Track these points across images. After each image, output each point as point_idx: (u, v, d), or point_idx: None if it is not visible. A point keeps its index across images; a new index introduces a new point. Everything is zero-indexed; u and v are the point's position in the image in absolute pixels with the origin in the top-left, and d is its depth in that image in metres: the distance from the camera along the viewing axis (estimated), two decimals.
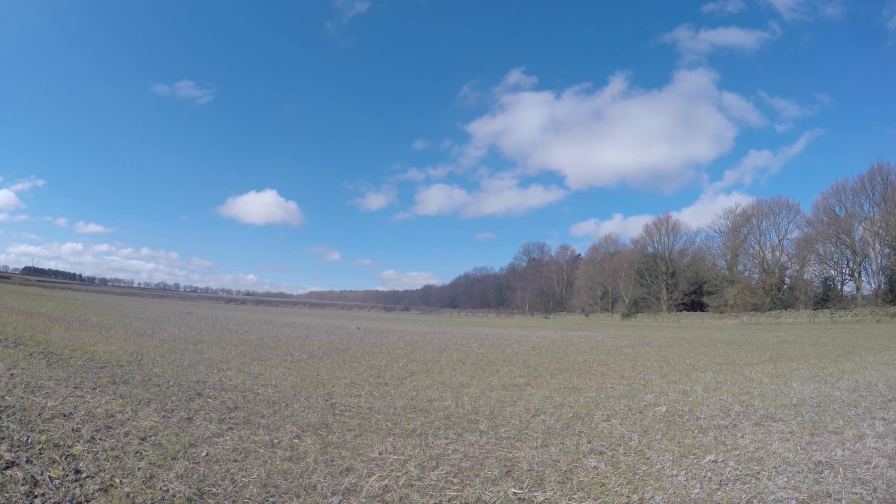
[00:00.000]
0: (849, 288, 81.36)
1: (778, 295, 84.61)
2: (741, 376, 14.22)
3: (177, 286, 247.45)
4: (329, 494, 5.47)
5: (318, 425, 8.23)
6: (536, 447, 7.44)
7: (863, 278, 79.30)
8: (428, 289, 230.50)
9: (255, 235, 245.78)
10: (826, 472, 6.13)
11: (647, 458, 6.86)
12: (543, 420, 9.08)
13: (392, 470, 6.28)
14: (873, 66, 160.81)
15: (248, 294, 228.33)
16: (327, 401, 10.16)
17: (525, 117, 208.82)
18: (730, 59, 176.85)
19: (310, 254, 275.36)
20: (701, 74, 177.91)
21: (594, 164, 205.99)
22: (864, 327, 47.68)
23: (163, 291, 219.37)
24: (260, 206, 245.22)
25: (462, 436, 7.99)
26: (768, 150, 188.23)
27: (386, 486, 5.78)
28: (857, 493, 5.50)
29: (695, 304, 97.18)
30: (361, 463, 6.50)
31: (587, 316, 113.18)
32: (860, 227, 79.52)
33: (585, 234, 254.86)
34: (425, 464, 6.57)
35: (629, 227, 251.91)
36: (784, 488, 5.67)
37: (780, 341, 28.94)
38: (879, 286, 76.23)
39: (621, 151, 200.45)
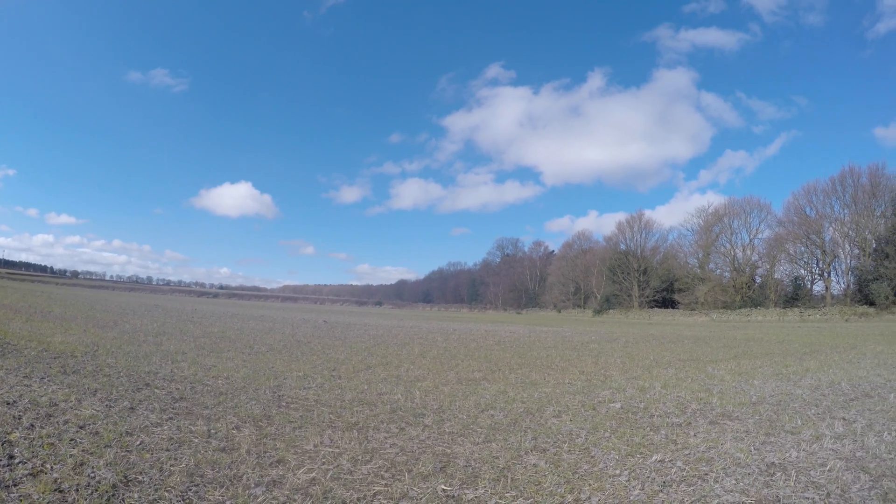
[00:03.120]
0: (818, 287, 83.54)
1: (748, 293, 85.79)
2: (703, 373, 14.03)
3: (149, 279, 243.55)
4: (253, 486, 5.30)
5: (259, 417, 8.01)
6: (478, 443, 7.19)
7: (832, 278, 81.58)
8: (402, 283, 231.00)
9: (230, 228, 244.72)
10: (778, 474, 5.88)
11: (592, 457, 6.60)
12: (492, 415, 8.81)
13: (323, 463, 6.10)
14: (850, 73, 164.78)
15: (221, 288, 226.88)
16: (275, 393, 9.92)
17: (502, 112, 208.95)
18: (709, 60, 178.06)
19: (284, 247, 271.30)
20: (680, 74, 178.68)
21: (571, 161, 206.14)
22: (833, 326, 48.14)
23: (135, 284, 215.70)
24: (234, 198, 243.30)
25: (404, 430, 7.76)
26: (744, 150, 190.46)
27: (313, 478, 5.60)
28: (808, 498, 5.25)
29: (666, 301, 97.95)
30: (294, 455, 6.31)
31: (559, 312, 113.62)
32: (830, 228, 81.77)
33: (560, 230, 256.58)
34: (359, 457, 6.36)
35: (604, 225, 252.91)
36: (731, 491, 5.41)
37: (747, 339, 28.93)
38: (848, 286, 78.04)
39: (598, 149, 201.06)
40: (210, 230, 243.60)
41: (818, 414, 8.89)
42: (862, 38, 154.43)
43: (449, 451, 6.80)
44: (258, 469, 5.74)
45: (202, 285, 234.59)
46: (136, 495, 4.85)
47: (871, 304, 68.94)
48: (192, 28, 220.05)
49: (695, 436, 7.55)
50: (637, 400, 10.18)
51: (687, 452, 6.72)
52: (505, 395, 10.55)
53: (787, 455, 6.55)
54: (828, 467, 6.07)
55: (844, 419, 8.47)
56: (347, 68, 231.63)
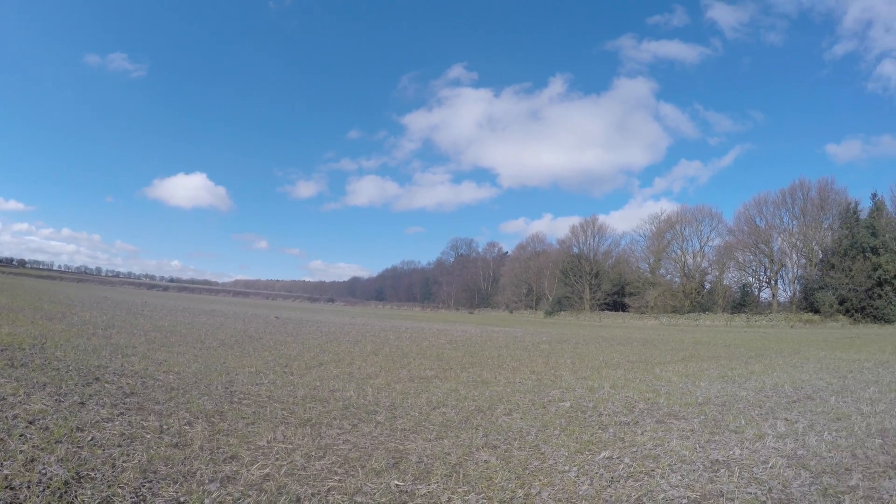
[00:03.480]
0: (765, 294, 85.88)
1: (697, 298, 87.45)
2: (651, 374, 14.28)
3: (98, 270, 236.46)
4: (207, 482, 5.23)
5: (212, 413, 7.90)
6: (430, 440, 7.23)
7: (779, 286, 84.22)
8: (355, 280, 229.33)
9: (182, 220, 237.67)
10: (722, 470, 6.05)
11: (542, 453, 6.69)
12: (443, 413, 8.87)
13: (277, 459, 6.04)
14: (806, 91, 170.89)
15: (172, 281, 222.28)
16: (227, 388, 9.79)
17: (462, 113, 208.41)
18: (670, 71, 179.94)
19: (237, 241, 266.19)
20: (640, 83, 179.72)
21: (528, 164, 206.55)
22: (778, 332, 49.31)
23: (83, 275, 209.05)
24: (188, 189, 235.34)
25: (357, 426, 7.75)
26: (699, 160, 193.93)
27: (267, 474, 5.55)
28: (751, 493, 5.42)
29: (617, 304, 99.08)
30: (247, 451, 6.23)
31: (511, 312, 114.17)
32: (779, 239, 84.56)
33: (515, 232, 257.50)
34: (312, 453, 6.33)
35: (558, 228, 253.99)
36: (677, 487, 5.55)
37: (695, 342, 29.45)
38: (794, 294, 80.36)
39: (556, 153, 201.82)
40: (162, 221, 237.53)
41: (761, 414, 9.15)
42: (819, 59, 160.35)
43: (402, 447, 6.82)
44: (212, 465, 5.67)
45: (152, 278, 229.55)
46: (88, 492, 4.77)
47: (816, 311, 70.92)
48: (154, 11, 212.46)
49: (642, 434, 7.72)
50: (586, 399, 10.34)
51: (634, 449, 6.87)
52: (456, 394, 10.62)
53: (731, 453, 6.74)
54: (770, 464, 6.26)
55: (787, 419, 8.74)
56: (309, 62, 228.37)
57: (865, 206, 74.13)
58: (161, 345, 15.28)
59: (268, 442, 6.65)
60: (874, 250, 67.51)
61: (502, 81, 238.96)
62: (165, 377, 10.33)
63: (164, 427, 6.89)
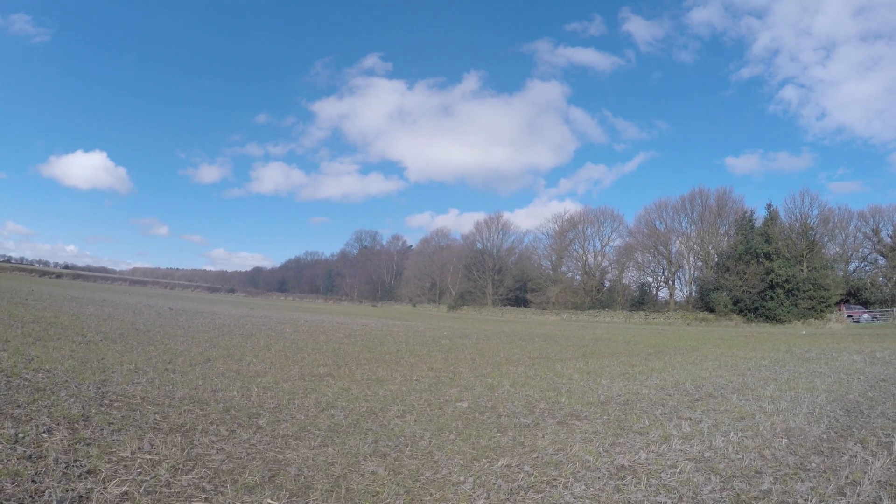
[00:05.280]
0: (663, 294, 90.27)
1: (597, 295, 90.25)
2: (552, 371, 13.93)
3: None
4: (55, 503, 4.48)
5: (77, 417, 6.98)
6: (314, 447, 6.57)
7: (676, 286, 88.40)
8: (257, 271, 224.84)
9: (78, 201, 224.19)
10: (629, 477, 5.61)
11: (435, 462, 6.11)
12: (332, 415, 8.20)
13: (139, 473, 5.28)
14: (711, 107, 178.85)
15: (66, 267, 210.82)
16: (100, 389, 8.77)
17: (374, 103, 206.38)
18: (583, 77, 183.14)
19: (136, 225, 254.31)
20: (553, 87, 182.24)
21: (436, 159, 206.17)
22: (675, 329, 50.45)
23: None
24: (86, 168, 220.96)
25: (235, 432, 6.99)
26: (604, 164, 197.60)
27: (125, 492, 4.81)
28: (661, 502, 4.95)
29: (519, 300, 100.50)
30: (108, 464, 5.44)
31: (414, 306, 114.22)
32: (677, 242, 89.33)
33: (421, 226, 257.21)
34: (180, 466, 5.58)
35: (464, 223, 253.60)
36: (582, 497, 5.07)
37: (595, 338, 29.56)
38: (691, 294, 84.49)
39: (465, 149, 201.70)
40: (58, 202, 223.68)
41: (665, 414, 8.84)
42: (726, 80, 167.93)
43: (281, 456, 6.17)
44: (64, 481, 4.89)
45: (46, 264, 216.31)
46: None
47: (712, 311, 74.31)
48: None
49: (543, 437, 7.23)
50: (485, 399, 9.83)
51: (535, 456, 6.35)
52: (348, 393, 9.94)
53: (637, 457, 6.32)
54: (678, 469, 5.88)
55: (691, 419, 8.44)
56: (219, 41, 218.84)
57: (760, 216, 78.39)
58: (37, 338, 13.95)
59: (132, 452, 5.86)
60: (767, 256, 70.96)
61: (416, 74, 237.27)
62: (34, 376, 9.22)
63: (20, 435, 5.99)
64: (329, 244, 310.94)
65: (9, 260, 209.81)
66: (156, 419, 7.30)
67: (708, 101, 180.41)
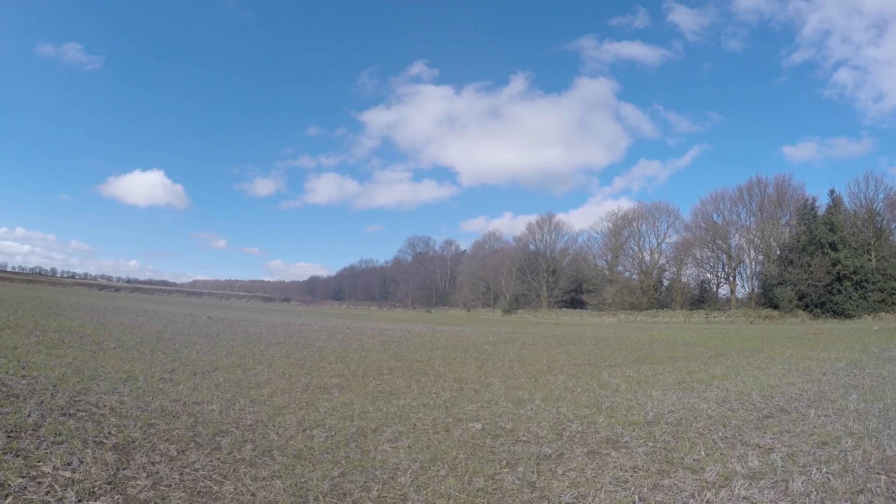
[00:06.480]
0: (724, 291, 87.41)
1: (655, 295, 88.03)
2: (596, 381, 12.21)
3: (53, 271, 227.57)
4: None
5: (27, 426, 6.07)
6: (261, 478, 5.18)
7: (737, 282, 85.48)
8: (314, 280, 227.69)
9: (138, 218, 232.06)
10: None
11: None
12: (311, 436, 6.75)
13: (48, 492, 4.53)
14: (764, 95, 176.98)
15: (128, 281, 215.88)
16: (74, 398, 7.72)
17: (422, 110, 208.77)
18: (631, 72, 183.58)
19: (195, 240, 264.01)
20: (601, 83, 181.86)
21: (487, 162, 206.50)
22: (738, 328, 48.18)
23: (38, 276, 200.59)
24: (144, 186, 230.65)
25: (184, 453, 5.74)
26: (658, 160, 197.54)
27: None
28: None
29: (575, 301, 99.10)
30: (21, 479, 4.65)
31: (469, 311, 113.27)
32: (737, 235, 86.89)
33: (476, 230, 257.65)
34: (95, 489, 4.65)
35: (518, 226, 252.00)
36: None
37: (651, 340, 27.72)
38: (753, 290, 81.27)
39: (516, 151, 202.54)
40: (118, 220, 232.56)
41: (726, 438, 7.08)
42: (778, 66, 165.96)
43: (216, 488, 4.86)
44: None
45: (109, 278, 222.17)
46: None
47: (775, 307, 71.31)
48: (110, 1, 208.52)
49: (563, 475, 5.52)
50: (506, 418, 8.16)
51: None
52: (347, 409, 8.43)
53: None
54: None
55: (759, 446, 6.64)
56: (267, 55, 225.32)
57: (822, 203, 75.17)
58: (48, 346, 13.01)
59: (55, 468, 4.90)
60: (833, 246, 67.58)
61: (463, 79, 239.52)
62: (17, 382, 8.32)
63: None
64: (385, 251, 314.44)
65: (73, 275, 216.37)
66: (105, 433, 6.16)
67: (760, 90, 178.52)
